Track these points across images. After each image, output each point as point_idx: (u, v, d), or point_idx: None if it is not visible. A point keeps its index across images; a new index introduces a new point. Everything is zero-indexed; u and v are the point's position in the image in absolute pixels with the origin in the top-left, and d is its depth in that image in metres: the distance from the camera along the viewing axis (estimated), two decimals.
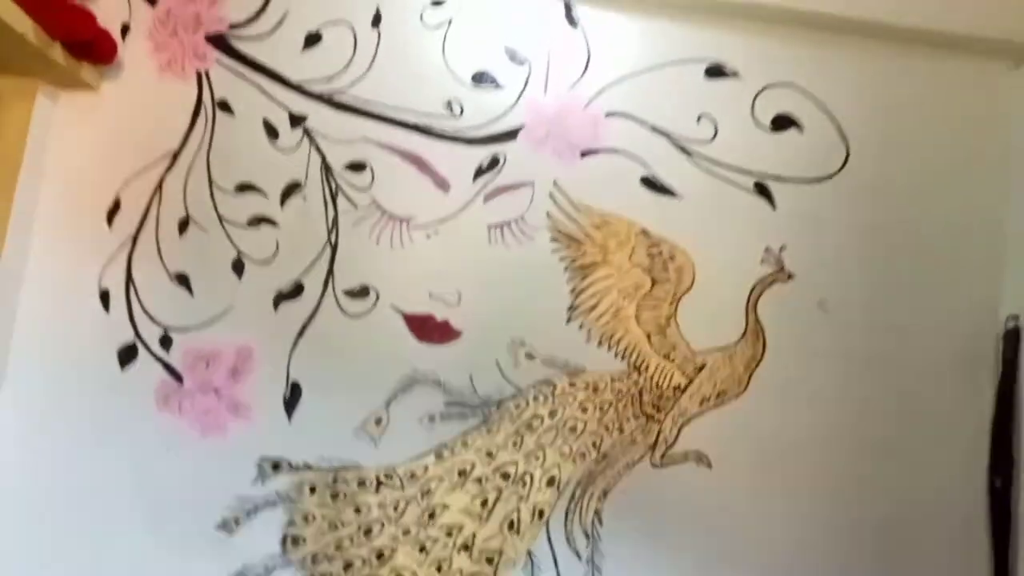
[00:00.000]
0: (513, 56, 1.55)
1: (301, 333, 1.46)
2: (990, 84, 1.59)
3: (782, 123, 1.56)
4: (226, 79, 1.54)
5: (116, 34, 1.52)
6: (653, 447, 1.46)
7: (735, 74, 1.57)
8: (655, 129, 1.55)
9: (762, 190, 1.54)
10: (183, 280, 1.48)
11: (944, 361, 1.51)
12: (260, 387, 1.44)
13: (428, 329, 1.47)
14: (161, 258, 1.48)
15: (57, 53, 1.39)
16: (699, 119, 1.55)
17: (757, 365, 1.49)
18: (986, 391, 1.49)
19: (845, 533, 1.45)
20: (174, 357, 1.45)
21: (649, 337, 1.49)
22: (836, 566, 1.44)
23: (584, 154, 1.54)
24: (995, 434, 1.47)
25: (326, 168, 1.51)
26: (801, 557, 1.44)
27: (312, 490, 1.42)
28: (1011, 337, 1.48)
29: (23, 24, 1.30)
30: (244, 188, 1.51)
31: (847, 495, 1.46)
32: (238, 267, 1.48)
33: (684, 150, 1.54)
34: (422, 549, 1.42)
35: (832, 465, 1.47)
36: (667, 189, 1.53)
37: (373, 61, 1.54)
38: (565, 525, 1.44)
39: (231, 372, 1.45)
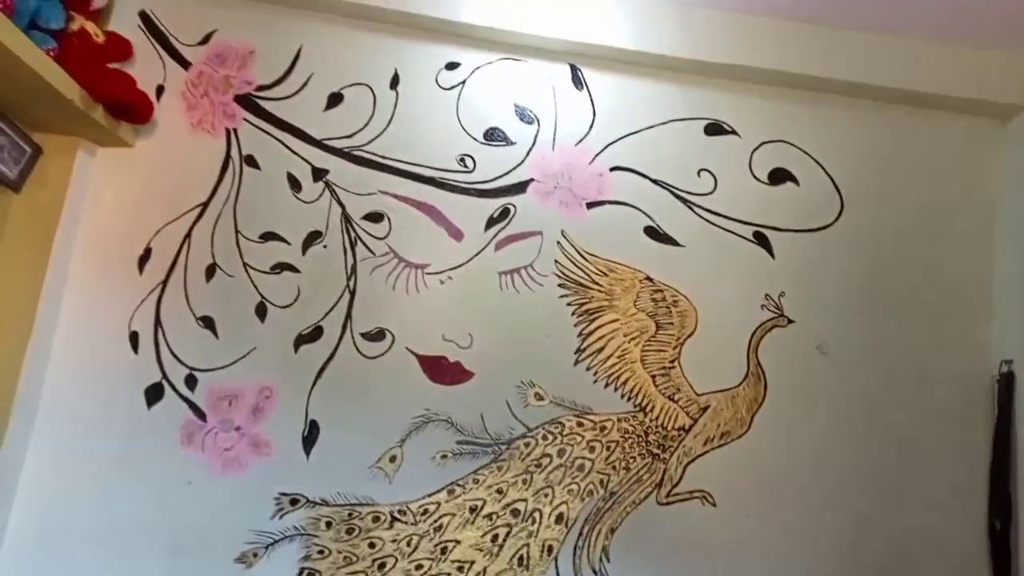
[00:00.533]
0: (522, 115, 1.65)
1: (320, 373, 1.53)
2: (977, 139, 1.67)
3: (779, 177, 1.64)
4: (253, 136, 1.64)
5: (152, 95, 1.63)
6: (659, 485, 1.50)
7: (733, 131, 1.66)
8: (657, 182, 1.63)
9: (761, 239, 1.61)
10: (208, 323, 1.55)
11: (940, 403, 1.55)
12: (280, 425, 1.51)
13: (441, 370, 1.53)
14: (188, 302, 1.56)
15: (99, 114, 1.50)
16: (699, 173, 1.64)
17: (759, 407, 1.53)
18: (982, 433, 1.53)
19: (848, 571, 1.47)
20: (199, 396, 1.52)
21: (654, 379, 1.54)
22: None
23: (590, 205, 1.62)
24: (993, 476, 1.49)
25: (346, 218, 1.60)
26: None
27: (328, 525, 1.46)
28: (1006, 381, 1.51)
29: (72, 91, 1.41)
30: (268, 236, 1.59)
31: (848, 534, 1.49)
32: (261, 311, 1.56)
33: (686, 202, 1.62)
34: None
35: (834, 504, 1.50)
36: (670, 238, 1.61)
37: (391, 119, 1.64)
38: (573, 561, 1.47)
39: (252, 411, 1.51)
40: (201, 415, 1.51)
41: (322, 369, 1.53)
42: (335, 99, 1.65)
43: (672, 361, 1.55)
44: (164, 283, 1.57)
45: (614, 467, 1.50)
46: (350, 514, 1.47)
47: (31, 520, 1.47)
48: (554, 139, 1.65)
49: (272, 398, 1.52)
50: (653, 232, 1.61)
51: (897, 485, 1.51)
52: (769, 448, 1.52)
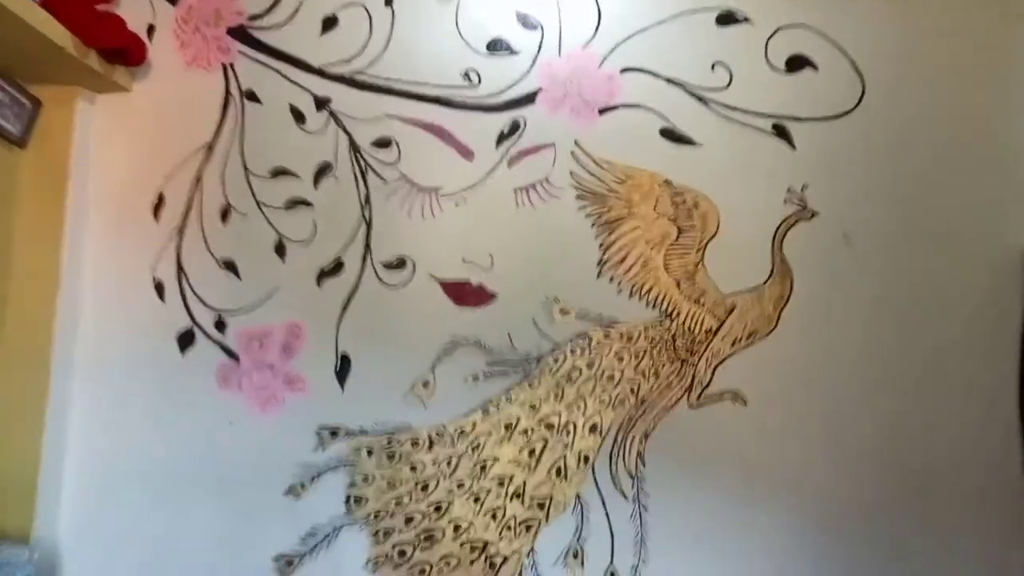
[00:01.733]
0: (525, 21, 1.59)
1: (345, 307, 1.54)
2: (1001, 9, 1.57)
3: (797, 64, 1.57)
4: (250, 69, 1.59)
5: (143, 35, 1.59)
6: (689, 389, 1.51)
7: (746, 19, 1.58)
8: (670, 81, 1.57)
9: (780, 132, 1.56)
10: (230, 266, 1.56)
11: (970, 289, 1.51)
12: (312, 361, 1.53)
13: (465, 294, 1.53)
14: (208, 247, 1.57)
15: (93, 60, 1.47)
16: (713, 67, 1.57)
17: (786, 303, 1.52)
18: (1013, 320, 1.50)
19: (879, 463, 1.48)
20: (229, 339, 1.54)
21: (679, 284, 1.53)
22: (873, 495, 1.48)
23: (602, 111, 1.57)
24: (1022, 370, 1.47)
25: (354, 147, 1.57)
26: (837, 486, 1.48)
27: (369, 453, 1.51)
28: None
29: (63, 38, 1.38)
30: (278, 173, 1.57)
31: (879, 429, 1.49)
32: (280, 249, 1.56)
33: (700, 99, 1.57)
34: (476, 500, 1.50)
35: (864, 397, 1.50)
36: (686, 139, 1.56)
37: (389, 39, 1.58)
38: (610, 468, 1.50)
39: (283, 349, 1.53)
40: (234, 357, 1.54)
41: (347, 302, 1.54)
42: (330, 23, 1.59)
43: (696, 264, 1.54)
44: (181, 229, 1.57)
45: (644, 375, 1.52)
46: (389, 441, 1.52)
47: (87, 466, 1.53)
48: (560, 44, 1.58)
49: (301, 336, 1.54)
50: (669, 133, 1.56)
51: (928, 379, 1.50)
52: (798, 343, 1.51)
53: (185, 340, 1.55)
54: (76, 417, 1.54)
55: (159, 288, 1.56)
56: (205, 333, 1.55)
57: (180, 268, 1.56)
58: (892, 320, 1.52)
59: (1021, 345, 1.49)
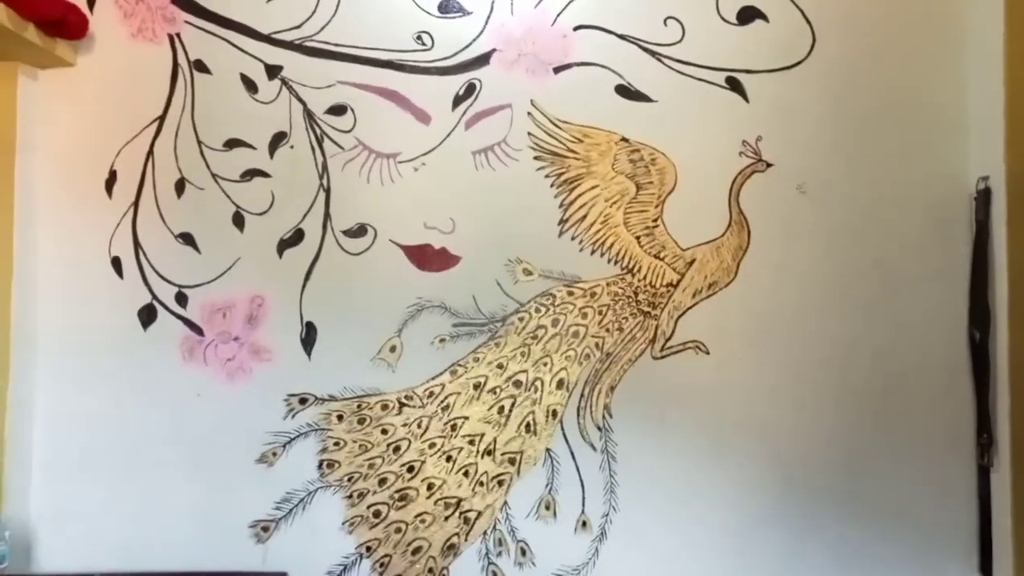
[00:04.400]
0: None
1: (308, 276, 1.54)
2: None
3: (748, 15, 1.58)
4: (198, 39, 1.56)
5: (83, 6, 1.54)
6: (652, 341, 1.54)
7: None
8: (624, 37, 1.57)
9: (734, 84, 1.57)
10: (188, 239, 1.54)
11: (920, 227, 1.55)
12: (277, 330, 1.53)
13: (427, 258, 1.54)
14: (164, 221, 1.55)
15: (32, 33, 1.43)
16: (666, 22, 1.57)
17: (744, 253, 1.54)
18: (961, 252, 1.54)
19: (839, 395, 1.53)
20: (192, 312, 1.54)
21: (639, 240, 1.55)
22: (834, 426, 1.52)
23: (557, 70, 1.57)
24: (972, 291, 1.53)
25: (308, 115, 1.55)
26: (799, 422, 1.52)
27: (340, 418, 1.52)
28: (983, 198, 1.52)
29: None
30: (233, 144, 1.55)
31: (838, 360, 1.53)
32: (238, 220, 1.55)
33: (654, 54, 1.57)
34: (449, 459, 1.53)
35: (822, 336, 1.53)
36: (642, 95, 1.57)
37: (339, 3, 1.56)
38: (578, 421, 1.53)
39: (247, 319, 1.53)
40: (198, 330, 1.53)
41: (309, 271, 1.54)
42: None
43: (655, 220, 1.56)
44: (135, 204, 1.55)
45: (608, 329, 1.54)
46: (359, 405, 1.53)
47: (55, 449, 1.53)
48: (512, 3, 1.57)
49: (264, 305, 1.53)
50: (624, 90, 1.57)
51: (882, 310, 1.54)
52: (757, 292, 1.54)
53: (146, 315, 1.54)
54: (41, 398, 1.53)
55: (116, 264, 1.54)
56: (166, 308, 1.54)
57: (137, 244, 1.55)
58: (847, 262, 1.55)
59: (971, 272, 1.53)
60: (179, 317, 1.53)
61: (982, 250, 1.52)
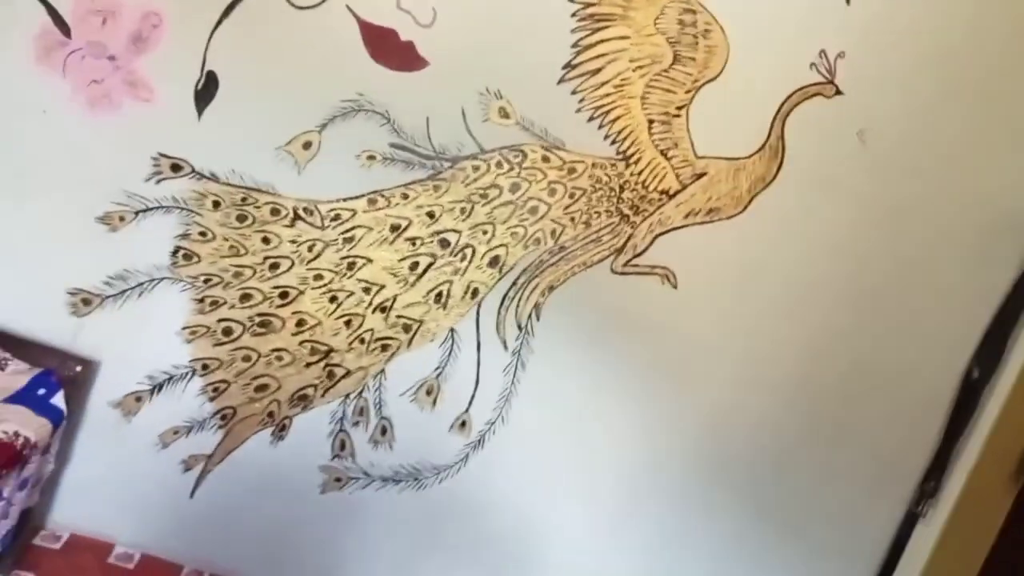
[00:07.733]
0: None
1: (228, 12, 1.19)
2: None
3: None
4: None
5: None
6: (619, 251, 1.31)
7: None
8: None
9: None
10: None
11: (973, 237, 1.34)
12: (167, 67, 1.21)
13: (388, 48, 1.22)
14: None
15: None
16: None
17: (765, 187, 1.31)
18: (1003, 279, 1.35)
19: (801, 389, 1.37)
20: (62, 2, 1.15)
21: (651, 125, 1.29)
22: (781, 420, 1.38)
23: None
24: (993, 324, 1.35)
25: None
26: (746, 402, 1.37)
27: (216, 205, 1.23)
28: None
29: None
30: None
31: (815, 352, 1.36)
32: None
33: None
34: (333, 299, 1.28)
35: (807, 317, 1.35)
36: None
37: None
38: (499, 311, 1.31)
39: (133, 39, 1.18)
40: (64, 28, 1.16)
41: (232, 5, 1.17)
42: None
43: (680, 107, 1.28)
44: None
45: (572, 219, 1.29)
46: (244, 199, 1.23)
47: None
48: None
49: (160, 28, 1.18)
50: None
51: (889, 306, 1.36)
52: (758, 238, 1.32)
53: None
54: None
55: None
56: None
57: None
58: (874, 239, 1.34)
59: (1003, 302, 1.35)
60: (43, 2, 1.15)
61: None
